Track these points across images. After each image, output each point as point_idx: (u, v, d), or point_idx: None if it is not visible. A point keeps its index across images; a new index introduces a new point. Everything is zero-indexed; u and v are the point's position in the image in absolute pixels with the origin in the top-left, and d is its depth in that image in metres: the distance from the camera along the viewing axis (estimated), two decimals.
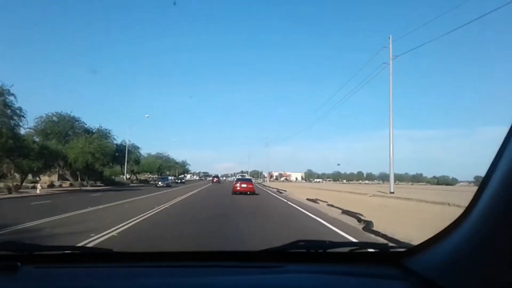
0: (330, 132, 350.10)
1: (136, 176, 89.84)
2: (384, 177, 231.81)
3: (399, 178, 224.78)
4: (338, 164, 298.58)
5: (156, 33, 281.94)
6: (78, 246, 3.00)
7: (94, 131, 54.98)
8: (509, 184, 1.20)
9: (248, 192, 34.28)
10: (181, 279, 1.87)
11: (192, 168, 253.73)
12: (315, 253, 2.14)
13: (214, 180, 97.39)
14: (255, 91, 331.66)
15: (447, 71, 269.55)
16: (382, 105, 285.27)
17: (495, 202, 1.25)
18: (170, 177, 71.80)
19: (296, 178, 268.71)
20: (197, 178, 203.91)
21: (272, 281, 1.81)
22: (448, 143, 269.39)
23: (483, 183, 1.34)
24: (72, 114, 53.21)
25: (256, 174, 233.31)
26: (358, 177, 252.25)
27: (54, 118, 52.12)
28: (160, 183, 57.31)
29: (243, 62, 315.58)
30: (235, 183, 36.10)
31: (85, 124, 54.84)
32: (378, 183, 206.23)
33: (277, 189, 52.22)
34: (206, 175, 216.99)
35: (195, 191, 40.96)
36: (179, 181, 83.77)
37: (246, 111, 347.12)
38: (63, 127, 51.53)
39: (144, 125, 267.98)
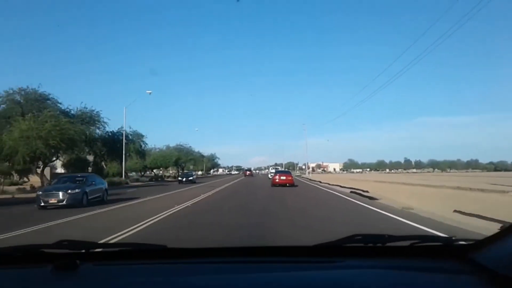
0: (365, 121, 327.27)
1: (144, 173, 73.79)
2: (434, 165, 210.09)
3: (452, 165, 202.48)
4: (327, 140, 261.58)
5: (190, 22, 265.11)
6: (132, 243, 2.40)
7: (74, 113, 39.69)
8: None
9: (288, 184, 33.75)
10: (235, 275, 1.82)
11: (224, 162, 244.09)
12: (373, 247, 2.02)
13: (247, 174, 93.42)
14: (287, 79, 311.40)
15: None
16: (418, 91, 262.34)
17: None
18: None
19: (334, 169, 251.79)
20: (227, 172, 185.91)
21: (331, 276, 1.74)
22: (502, 127, 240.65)
23: None
24: (41, 91, 37.90)
25: (292, 166, 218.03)
26: (405, 166, 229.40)
27: (17, 97, 37.08)
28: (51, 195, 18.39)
29: (273, 52, 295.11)
30: (274, 176, 36.10)
31: (60, 103, 39.22)
32: (428, 172, 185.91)
33: (348, 187, 29.96)
34: (239, 169, 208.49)
35: (188, 203, 18.36)
36: (184, 178, 51.26)
37: (279, 101, 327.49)
38: (28, 108, 36.16)
39: (172, 120, 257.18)
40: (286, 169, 75.92)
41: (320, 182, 46.88)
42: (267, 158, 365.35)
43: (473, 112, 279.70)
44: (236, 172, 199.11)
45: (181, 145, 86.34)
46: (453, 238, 2.00)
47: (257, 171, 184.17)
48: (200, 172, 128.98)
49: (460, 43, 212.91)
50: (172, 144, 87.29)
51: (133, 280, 1.78)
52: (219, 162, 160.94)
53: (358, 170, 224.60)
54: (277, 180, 34.15)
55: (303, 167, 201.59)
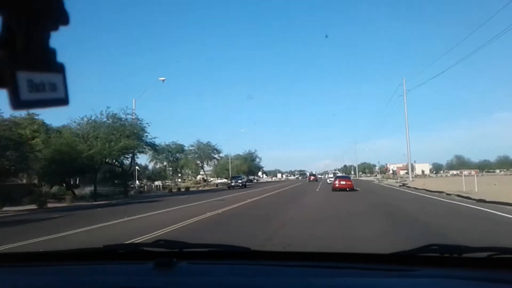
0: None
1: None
2: None
3: None
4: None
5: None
6: (220, 244, 2.53)
7: None
8: None
9: (348, 189, 34.01)
10: (316, 279, 1.90)
11: (287, 167, 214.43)
12: (449, 257, 2.02)
13: (311, 179, 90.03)
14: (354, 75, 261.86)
15: None
16: None
17: None
18: None
19: (423, 171, 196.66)
20: (271, 179, 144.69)
21: (406, 284, 1.79)
22: None
23: None
24: None
25: (368, 167, 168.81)
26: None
27: None
28: None
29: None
30: (334, 181, 37.46)
31: None
32: None
33: None
34: (302, 173, 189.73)
35: None
36: None
37: (346, 103, 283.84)
38: None
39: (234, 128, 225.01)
40: (348, 175, 69.80)
41: None
42: (334, 161, 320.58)
43: None
44: (281, 179, 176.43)
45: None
46: None
47: (321, 176, 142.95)
48: (218, 180, 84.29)
49: None
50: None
51: (224, 278, 1.94)
52: (269, 165, 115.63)
53: (466, 172, 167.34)
54: (337, 185, 35.09)
55: (390, 169, 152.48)
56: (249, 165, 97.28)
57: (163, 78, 40.05)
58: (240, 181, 53.17)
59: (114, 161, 33.92)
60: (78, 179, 41.20)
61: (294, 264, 2.11)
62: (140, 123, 35.40)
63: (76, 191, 42.69)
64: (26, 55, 0.75)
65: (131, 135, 32.26)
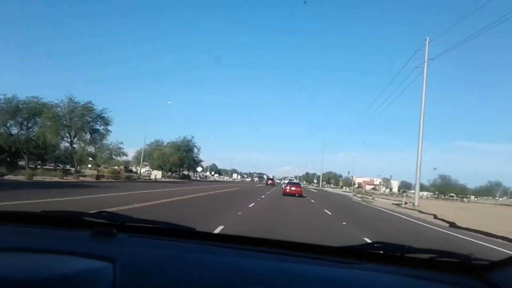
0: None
1: None
2: None
3: None
4: (435, 169, 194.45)
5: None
6: (165, 222, 2.53)
7: None
8: None
9: (297, 195, 36.70)
10: (261, 261, 1.92)
11: (248, 169, 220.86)
12: (391, 255, 2.10)
13: (268, 183, 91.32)
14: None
15: None
16: None
17: None
18: None
19: (391, 189, 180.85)
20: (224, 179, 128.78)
21: (349, 275, 1.84)
22: None
23: None
24: None
25: (333, 177, 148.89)
26: (487, 191, 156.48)
27: None
28: None
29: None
30: (286, 186, 41.82)
31: None
32: None
33: None
34: (260, 176, 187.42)
35: None
36: None
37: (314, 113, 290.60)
38: None
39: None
40: (298, 181, 79.78)
41: None
42: (296, 168, 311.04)
43: None
44: (235, 179, 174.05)
45: None
46: (471, 256, 2.01)
47: (279, 181, 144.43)
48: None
49: None
50: None
51: (166, 253, 1.94)
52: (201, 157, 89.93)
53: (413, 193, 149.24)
54: (287, 190, 38.07)
55: (356, 182, 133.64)
56: (182, 156, 72.30)
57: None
58: None
59: None
60: None
61: (240, 247, 2.10)
62: None
63: None
64: None
65: None
